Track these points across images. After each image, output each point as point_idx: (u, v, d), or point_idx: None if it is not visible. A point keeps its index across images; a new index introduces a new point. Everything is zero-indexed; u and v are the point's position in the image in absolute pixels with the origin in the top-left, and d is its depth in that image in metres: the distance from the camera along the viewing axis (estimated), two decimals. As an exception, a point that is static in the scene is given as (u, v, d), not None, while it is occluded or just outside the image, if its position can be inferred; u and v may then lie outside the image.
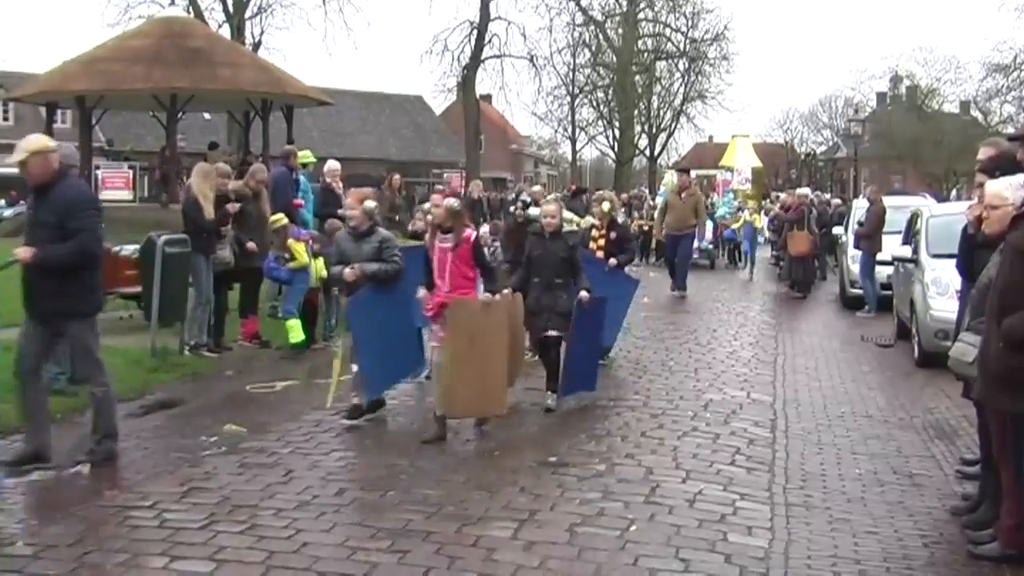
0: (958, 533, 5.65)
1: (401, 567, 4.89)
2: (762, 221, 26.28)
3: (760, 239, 26.04)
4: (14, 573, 4.77)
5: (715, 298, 17.30)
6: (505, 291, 8.10)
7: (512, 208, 11.83)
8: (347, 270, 7.79)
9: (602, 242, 10.53)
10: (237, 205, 10.66)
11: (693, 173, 26.74)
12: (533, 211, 10.58)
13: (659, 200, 25.20)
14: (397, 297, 7.93)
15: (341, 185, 13.87)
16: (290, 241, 10.70)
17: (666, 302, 16.15)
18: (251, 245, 10.70)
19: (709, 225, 22.47)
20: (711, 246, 23.88)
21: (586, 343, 8.45)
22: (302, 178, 13.67)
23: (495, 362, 7.47)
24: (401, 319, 8.04)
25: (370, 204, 7.93)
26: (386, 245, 7.86)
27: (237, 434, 7.33)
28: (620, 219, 10.75)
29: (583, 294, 8.16)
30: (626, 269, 14.34)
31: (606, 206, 10.69)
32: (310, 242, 11.09)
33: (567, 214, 9.20)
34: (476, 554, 5.06)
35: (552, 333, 8.33)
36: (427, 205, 9.61)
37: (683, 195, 17.47)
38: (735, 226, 23.90)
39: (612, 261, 10.21)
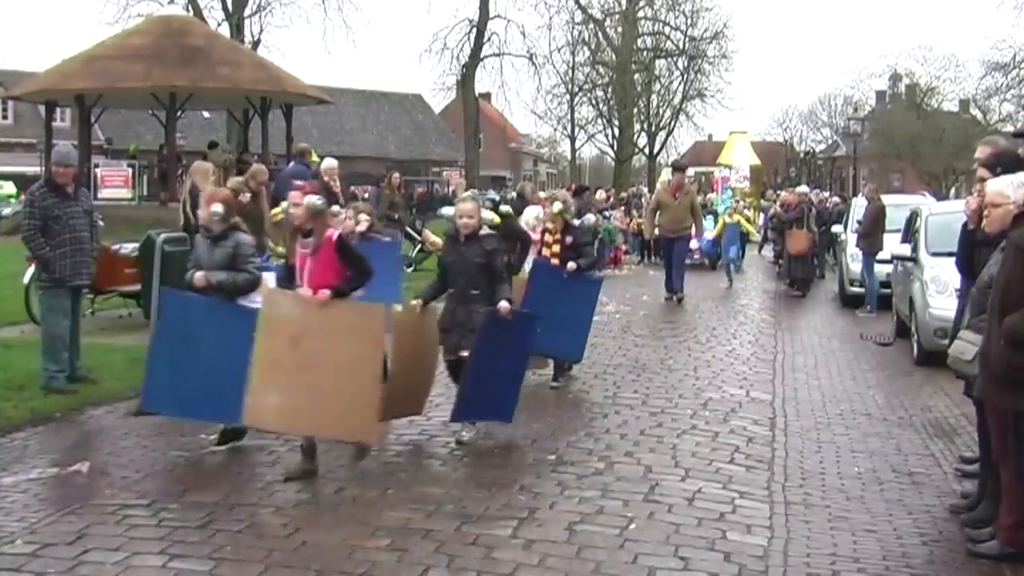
0: (957, 531, 5.65)
1: (400, 565, 4.89)
2: (760, 219, 26.04)
3: (757, 236, 25.72)
4: (13, 571, 4.77)
5: (714, 296, 17.30)
6: (414, 302, 7.22)
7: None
8: (197, 275, 6.82)
9: (556, 248, 9.39)
10: (248, 195, 10.64)
11: (691, 171, 26.66)
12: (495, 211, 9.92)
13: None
14: (229, 321, 6.56)
15: (338, 183, 13.87)
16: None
17: (665, 301, 16.14)
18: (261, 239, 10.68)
19: (709, 223, 21.66)
20: (712, 246, 22.83)
21: (498, 363, 7.04)
22: None
23: (337, 376, 6.18)
24: (221, 349, 6.43)
25: (218, 208, 6.84)
26: (239, 252, 6.82)
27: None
28: (575, 221, 9.61)
29: (502, 304, 6.94)
30: (627, 267, 14.08)
31: (557, 206, 9.49)
32: None
33: (486, 214, 7.81)
34: (475, 552, 5.06)
35: (465, 354, 7.06)
36: (283, 205, 8.56)
37: (677, 195, 16.29)
38: (709, 235, 21.00)
39: (571, 265, 9.11)
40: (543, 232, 9.54)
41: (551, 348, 8.81)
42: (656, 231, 17.29)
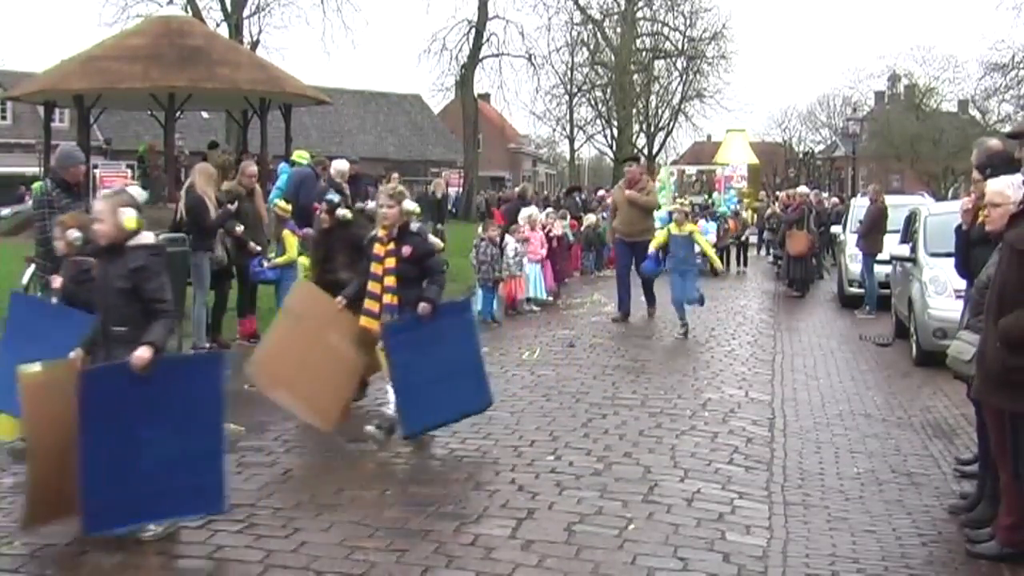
0: (956, 532, 5.66)
1: (399, 566, 4.89)
2: (745, 224, 25.57)
3: (755, 237, 24.96)
4: (12, 572, 4.77)
5: (712, 297, 17.26)
6: (73, 354, 5.20)
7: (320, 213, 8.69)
8: None
9: (391, 262, 7.04)
10: (235, 205, 10.67)
11: (693, 169, 26.54)
12: (331, 214, 8.31)
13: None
14: None
15: (347, 187, 13.85)
16: (285, 232, 10.71)
17: (664, 300, 16.08)
18: (253, 246, 10.68)
19: (712, 226, 20.96)
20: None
21: (155, 437, 4.98)
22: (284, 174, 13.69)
23: None
24: None
25: None
26: None
27: (235, 433, 7.28)
28: (415, 226, 7.28)
29: (138, 352, 4.90)
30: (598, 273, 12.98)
31: (409, 205, 7.16)
32: (303, 239, 11.12)
33: (125, 213, 5.12)
34: (474, 553, 5.06)
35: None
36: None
37: (630, 192, 13.73)
38: (655, 244, 13.15)
39: (424, 307, 6.91)
40: (372, 240, 7.30)
41: (456, 410, 7.16)
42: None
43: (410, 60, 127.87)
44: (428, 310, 6.91)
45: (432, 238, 10.72)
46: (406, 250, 7.01)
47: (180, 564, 4.88)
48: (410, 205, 7.17)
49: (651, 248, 13.09)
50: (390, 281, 7.04)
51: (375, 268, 7.10)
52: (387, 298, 7.06)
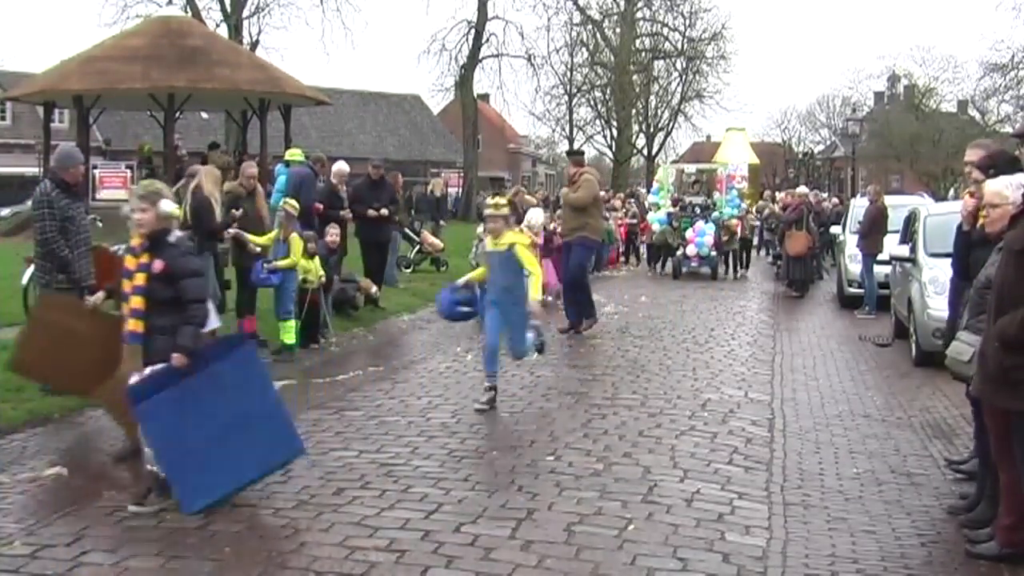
0: (955, 532, 5.66)
1: (399, 566, 4.89)
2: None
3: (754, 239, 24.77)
4: (12, 573, 4.77)
5: (712, 297, 17.30)
6: None
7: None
8: None
9: (140, 278, 5.70)
10: (240, 211, 10.67)
11: (693, 167, 26.32)
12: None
13: (651, 199, 24.87)
14: None
15: (345, 189, 13.85)
16: (294, 235, 10.72)
17: (664, 301, 16.14)
18: (252, 246, 10.67)
19: (710, 228, 20.77)
20: (713, 253, 20.77)
21: None
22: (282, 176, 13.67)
23: None
24: None
25: None
26: None
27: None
28: (175, 235, 5.85)
29: None
30: (624, 269, 12.54)
31: (166, 207, 5.77)
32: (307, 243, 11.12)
33: None
34: (474, 553, 5.06)
35: None
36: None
37: (564, 191, 12.97)
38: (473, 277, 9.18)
39: (176, 359, 5.59)
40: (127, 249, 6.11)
41: (257, 466, 5.85)
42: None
43: (410, 60, 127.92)
44: (182, 362, 5.56)
45: (431, 238, 10.71)
46: (157, 265, 5.66)
47: (180, 564, 4.88)
48: (168, 207, 5.76)
49: (461, 281, 9.12)
50: (137, 303, 5.69)
51: (124, 286, 5.80)
52: (131, 324, 5.73)
